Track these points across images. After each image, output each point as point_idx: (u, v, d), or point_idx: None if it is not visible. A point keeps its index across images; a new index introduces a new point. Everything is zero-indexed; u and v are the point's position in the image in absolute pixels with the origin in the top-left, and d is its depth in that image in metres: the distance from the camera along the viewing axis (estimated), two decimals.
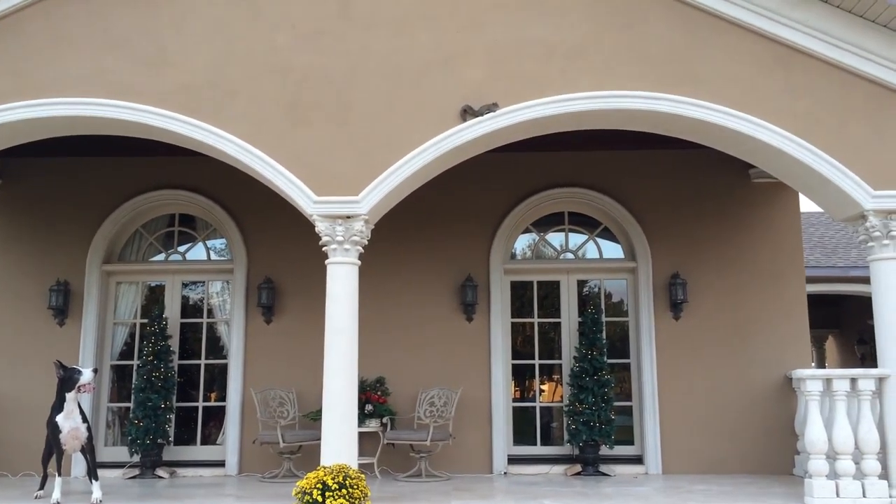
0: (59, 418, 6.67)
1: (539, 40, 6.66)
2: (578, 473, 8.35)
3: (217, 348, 9.23)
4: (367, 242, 6.58)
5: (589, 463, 8.35)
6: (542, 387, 9.25)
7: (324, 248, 6.51)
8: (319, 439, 6.17)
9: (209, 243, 9.47)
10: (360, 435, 8.16)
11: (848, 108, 6.54)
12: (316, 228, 6.48)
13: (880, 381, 6.41)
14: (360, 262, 6.51)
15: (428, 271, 9.08)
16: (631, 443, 8.86)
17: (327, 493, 5.30)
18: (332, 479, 5.39)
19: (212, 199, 9.23)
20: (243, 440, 8.71)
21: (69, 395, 6.66)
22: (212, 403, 9.09)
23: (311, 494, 5.32)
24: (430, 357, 8.89)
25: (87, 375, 6.67)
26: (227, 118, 6.64)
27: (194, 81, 6.71)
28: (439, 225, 9.17)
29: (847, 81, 6.56)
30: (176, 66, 6.74)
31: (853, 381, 6.49)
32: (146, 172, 9.25)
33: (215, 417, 9.06)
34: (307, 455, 8.41)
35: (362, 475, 5.64)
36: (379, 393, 8.36)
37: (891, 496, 6.22)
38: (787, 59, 6.60)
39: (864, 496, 6.26)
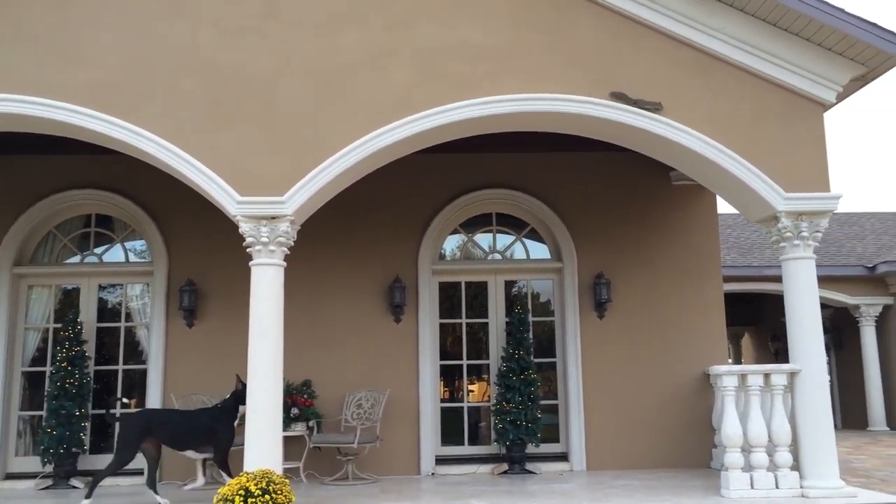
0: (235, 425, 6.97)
1: (467, 43, 6.68)
2: (505, 472, 8.43)
3: (136, 353, 8.95)
4: (292, 243, 6.49)
5: (515, 461, 8.44)
6: (472, 387, 9.30)
7: (248, 250, 6.39)
8: (243, 444, 6.05)
9: (128, 245, 9.17)
10: (286, 439, 8.03)
11: (762, 113, 6.78)
12: (240, 229, 6.35)
13: (792, 375, 6.67)
14: (285, 264, 6.41)
15: (356, 272, 9.01)
16: (557, 441, 8.99)
17: (250, 500, 5.19)
18: (255, 484, 5.28)
19: (131, 200, 8.95)
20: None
21: (241, 408, 6.96)
22: (131, 410, 8.80)
23: (232, 501, 5.20)
24: (358, 359, 8.82)
25: None
26: (147, 116, 6.45)
27: (111, 78, 6.48)
28: (368, 226, 9.11)
29: (761, 88, 6.81)
30: (91, 62, 6.50)
31: (766, 376, 6.74)
32: (62, 171, 8.90)
33: None
34: (230, 461, 8.21)
35: (287, 480, 5.55)
36: (305, 396, 8.25)
37: (802, 486, 6.47)
38: (706, 65, 6.81)
39: (776, 487, 6.51)
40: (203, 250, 8.90)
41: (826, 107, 6.82)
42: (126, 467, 6.92)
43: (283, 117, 6.51)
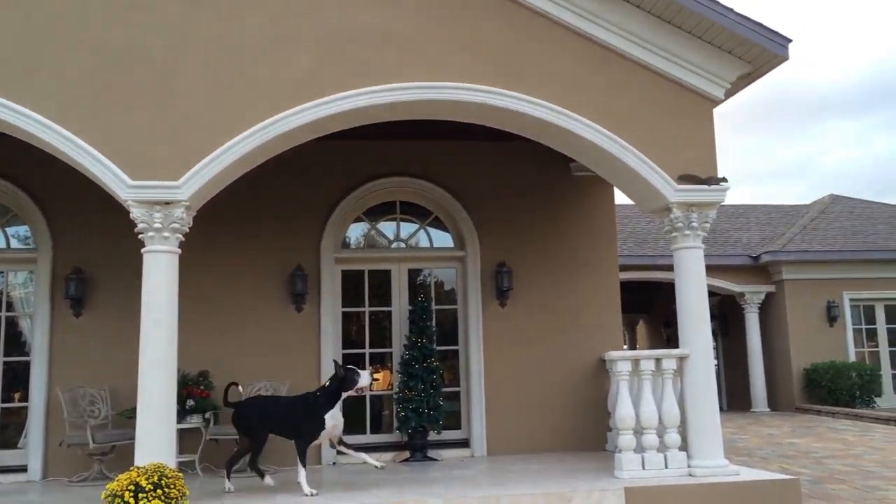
0: (328, 415, 6.56)
1: (372, 28, 6.61)
2: (407, 460, 8.46)
3: (19, 345, 8.48)
4: (188, 230, 6.27)
5: (417, 449, 8.48)
6: (377, 375, 9.26)
7: (140, 236, 6.13)
8: (135, 438, 5.83)
9: (10, 230, 8.66)
10: (182, 432, 7.81)
11: (657, 107, 7.01)
12: (131, 215, 6.09)
13: (681, 360, 6.95)
14: (180, 251, 6.19)
15: (256, 260, 8.81)
16: (459, 427, 9.09)
17: (140, 495, 5.00)
18: (147, 479, 5.09)
19: (13, 183, 8.45)
20: (48, 443, 8.07)
21: (343, 395, 6.65)
22: (12, 405, 8.33)
23: (122, 497, 5.00)
24: (258, 349, 8.64)
25: (364, 379, 6.63)
26: (32, 96, 6.08)
27: None
28: (269, 212, 8.92)
29: (658, 83, 7.03)
30: None
31: (658, 361, 7.00)
32: None
33: (16, 419, 8.31)
34: (122, 456, 7.88)
35: (180, 474, 5.38)
36: (202, 387, 8.02)
37: (689, 466, 6.77)
38: (605, 59, 6.97)
39: (666, 467, 6.77)
40: (92, 236, 8.51)
41: (715, 103, 7.11)
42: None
43: (179, 99, 6.27)
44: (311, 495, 6.22)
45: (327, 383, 6.74)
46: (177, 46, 6.34)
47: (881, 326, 17.25)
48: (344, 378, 6.63)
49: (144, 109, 6.22)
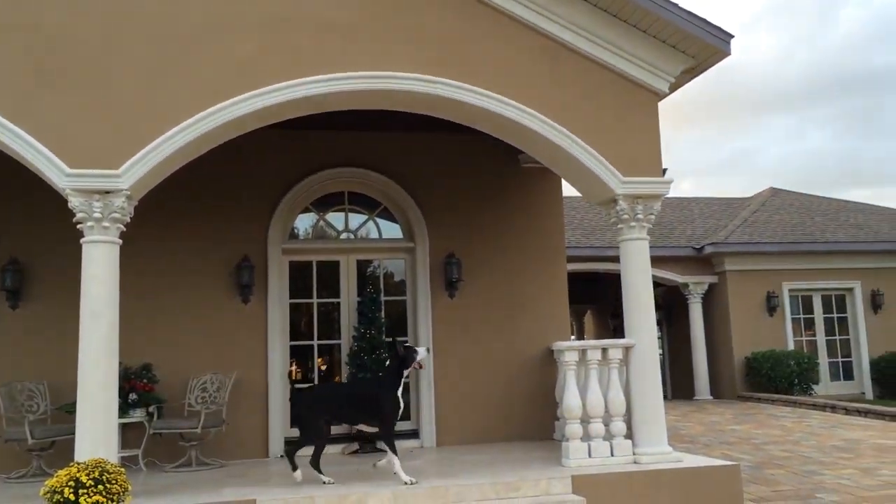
0: (399, 393, 6.51)
1: (315, 17, 6.52)
2: (356, 452, 8.43)
3: None
4: (129, 220, 6.11)
5: (367, 441, 8.45)
6: (328, 367, 9.19)
7: (79, 226, 5.96)
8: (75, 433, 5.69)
9: None
10: (124, 426, 7.65)
11: (604, 101, 7.08)
12: (69, 204, 5.91)
13: (627, 350, 7.07)
14: (121, 241, 6.03)
15: (202, 251, 8.66)
16: (408, 418, 9.08)
17: (81, 491, 4.87)
18: (87, 475, 4.96)
19: None
20: None
21: (404, 373, 6.58)
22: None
23: (61, 493, 4.86)
24: (204, 341, 8.50)
25: (422, 352, 6.65)
26: None
27: None
28: (215, 202, 8.77)
29: (604, 76, 7.10)
30: None
31: (604, 350, 7.10)
32: None
33: None
34: (62, 452, 7.67)
35: (122, 469, 5.26)
36: (145, 381, 7.85)
37: (634, 453, 6.89)
38: (553, 52, 7.01)
39: (612, 455, 6.88)
40: (29, 227, 8.25)
41: (660, 96, 7.22)
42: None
43: (118, 85, 6.10)
44: (411, 483, 6.14)
45: (389, 363, 6.68)
46: (114, 29, 6.16)
47: (818, 316, 17.80)
48: (405, 356, 6.58)
49: (82, 95, 6.03)
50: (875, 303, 17.56)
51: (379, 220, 9.41)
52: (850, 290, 17.75)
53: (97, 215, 5.88)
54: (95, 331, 5.78)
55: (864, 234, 18.17)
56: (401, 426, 8.90)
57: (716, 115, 62.17)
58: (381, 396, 6.44)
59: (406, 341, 6.56)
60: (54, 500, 4.89)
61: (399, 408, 6.53)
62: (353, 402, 6.59)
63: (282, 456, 8.42)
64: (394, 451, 6.33)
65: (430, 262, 9.19)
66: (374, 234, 9.40)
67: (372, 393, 6.53)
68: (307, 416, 6.56)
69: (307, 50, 6.45)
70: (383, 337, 8.66)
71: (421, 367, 6.78)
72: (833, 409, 13.36)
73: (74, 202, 5.88)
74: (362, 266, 9.34)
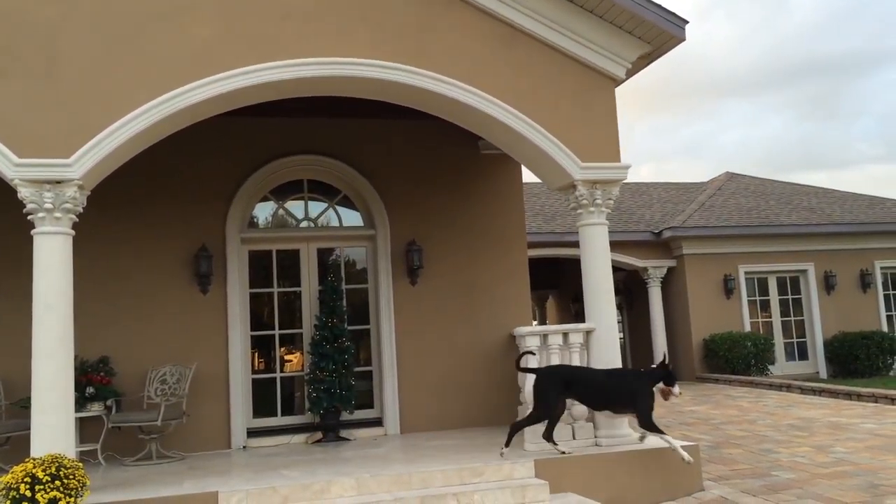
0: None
1: (274, 1, 6.43)
2: (319, 440, 8.40)
3: None
4: (82, 210, 5.99)
5: (330, 429, 8.43)
6: (290, 357, 9.14)
7: (29, 217, 5.82)
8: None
9: None
10: (82, 420, 7.51)
11: (562, 86, 7.12)
12: (19, 195, 5.77)
13: (587, 334, 7.15)
14: (73, 232, 5.91)
15: (158, 241, 8.52)
16: (371, 406, 9.08)
17: (37, 487, 4.80)
18: (44, 470, 4.88)
19: None
20: None
21: (658, 385, 6.75)
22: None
23: (17, 490, 4.78)
24: (162, 332, 8.38)
25: (676, 388, 6.80)
26: None
27: None
28: (171, 191, 8.62)
29: (562, 62, 7.14)
30: None
31: (565, 335, 7.17)
32: None
33: None
34: (18, 448, 7.50)
35: (80, 464, 5.19)
36: (102, 374, 7.72)
37: (596, 436, 6.98)
38: (510, 38, 7.02)
39: (574, 438, 6.97)
40: None
41: (617, 82, 7.28)
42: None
43: (67, 72, 5.95)
44: (688, 461, 6.42)
45: (655, 367, 6.85)
46: (62, 13, 6.00)
47: (774, 298, 18.18)
48: (669, 374, 6.75)
49: (30, 81, 5.88)
50: (828, 284, 17.99)
51: (339, 208, 9.35)
52: (804, 272, 18.14)
53: (48, 206, 5.74)
54: (49, 323, 5.66)
55: (816, 216, 18.58)
56: (364, 414, 8.95)
57: (675, 102, 62.92)
58: (640, 391, 6.63)
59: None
60: (10, 496, 4.81)
61: (652, 403, 6.69)
62: (610, 388, 6.68)
63: (244, 447, 8.36)
64: (660, 432, 6.55)
65: (391, 250, 9.17)
66: (335, 223, 9.34)
67: (631, 385, 6.67)
68: (549, 394, 6.61)
69: (263, 35, 6.36)
70: (345, 326, 8.63)
71: (668, 397, 6.81)
72: (788, 388, 13.67)
73: (24, 193, 5.74)
74: (323, 254, 9.28)
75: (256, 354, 8.98)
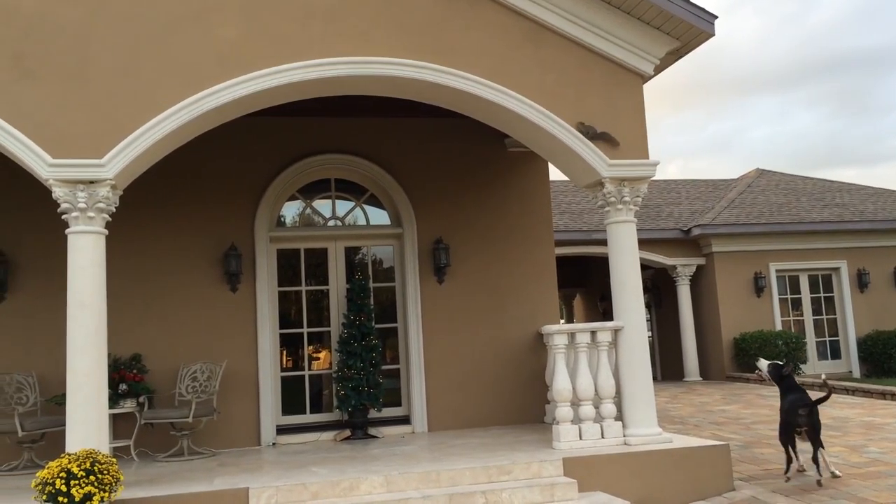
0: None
1: (297, 1, 6.47)
2: (348, 438, 8.45)
3: None
4: (114, 209, 6.07)
5: (358, 427, 8.47)
6: (318, 355, 9.20)
7: (64, 217, 5.92)
8: (66, 425, 5.67)
9: None
10: (115, 417, 7.64)
11: (589, 83, 7.07)
12: (53, 195, 5.86)
13: (615, 332, 7.10)
14: (106, 231, 5.99)
15: (189, 240, 8.62)
16: (399, 404, 9.11)
17: (73, 482, 4.87)
18: (79, 466, 4.96)
19: None
20: None
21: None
22: None
23: (53, 485, 4.86)
24: (192, 331, 8.48)
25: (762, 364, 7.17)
26: None
27: None
28: (201, 191, 8.72)
29: (589, 59, 7.09)
30: None
31: (593, 333, 7.13)
32: None
33: None
34: (53, 444, 7.69)
35: (114, 459, 5.26)
36: (135, 371, 7.84)
37: (625, 435, 6.94)
38: (536, 35, 6.99)
39: (602, 437, 6.93)
40: (13, 218, 8.19)
41: (645, 78, 7.22)
42: None
43: (98, 74, 6.03)
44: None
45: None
46: (92, 16, 6.07)
47: (805, 296, 17.93)
48: (791, 379, 6.83)
49: (63, 84, 5.96)
50: (861, 282, 17.70)
51: (366, 207, 9.39)
52: (837, 269, 17.87)
53: (82, 205, 5.83)
54: (83, 321, 5.75)
55: (849, 213, 18.28)
56: (392, 412, 8.98)
57: (702, 99, 62.26)
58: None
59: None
60: (46, 491, 4.89)
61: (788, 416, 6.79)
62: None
63: (273, 444, 8.43)
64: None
65: (418, 248, 9.19)
66: (362, 221, 9.38)
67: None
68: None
69: (288, 35, 6.39)
70: (373, 324, 8.67)
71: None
72: (821, 388, 13.46)
73: (58, 193, 5.84)
74: (350, 253, 9.33)
75: (284, 352, 9.05)
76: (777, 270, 17.56)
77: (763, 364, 7.21)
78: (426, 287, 9.17)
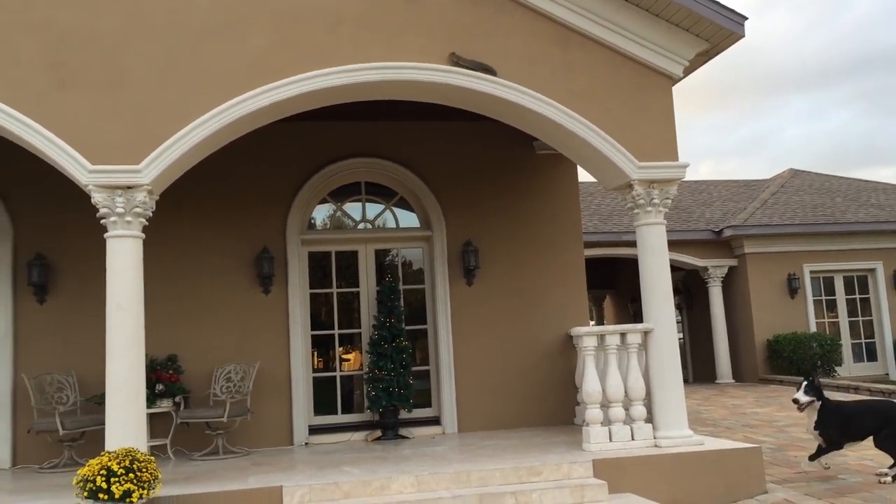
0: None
1: (326, 8, 6.56)
2: (379, 438, 8.54)
3: None
4: (151, 214, 6.22)
5: (389, 427, 8.56)
6: (348, 356, 9.30)
7: (102, 221, 6.08)
8: (104, 424, 5.82)
9: None
10: (152, 416, 7.80)
11: (618, 85, 7.07)
12: (92, 200, 6.02)
13: (645, 334, 7.09)
14: (143, 236, 6.14)
15: (222, 244, 8.78)
16: (429, 405, 9.18)
17: (112, 479, 5.01)
18: (118, 463, 5.09)
19: None
20: (17, 430, 8.01)
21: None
22: None
23: (94, 482, 5.00)
24: (226, 332, 8.63)
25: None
26: None
27: None
28: (234, 195, 8.88)
29: (616, 61, 7.10)
30: None
31: (623, 335, 7.13)
32: None
33: None
34: (92, 442, 7.88)
35: (152, 457, 5.40)
36: (171, 371, 8.01)
37: (655, 437, 6.93)
38: (563, 38, 7.01)
39: (632, 439, 6.93)
40: (54, 222, 8.41)
41: (674, 80, 7.20)
42: None
43: (133, 82, 6.19)
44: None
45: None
46: (127, 27, 6.23)
47: (840, 297, 17.67)
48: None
49: (100, 92, 6.12)
50: None
51: (396, 210, 9.48)
52: (872, 270, 17.60)
53: (120, 210, 5.99)
54: (121, 323, 5.90)
55: (885, 213, 17.98)
56: (422, 413, 9.05)
57: (734, 99, 61.55)
58: None
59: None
60: (87, 488, 5.04)
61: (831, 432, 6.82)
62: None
63: (306, 444, 8.55)
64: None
65: (447, 250, 9.26)
66: (392, 224, 9.47)
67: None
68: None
69: (318, 42, 6.49)
70: (403, 325, 8.75)
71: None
72: (856, 390, 13.28)
73: (97, 198, 6.00)
74: (380, 255, 9.43)
75: (315, 353, 9.17)
76: (811, 272, 17.35)
77: (801, 396, 6.82)
78: (455, 289, 9.23)
